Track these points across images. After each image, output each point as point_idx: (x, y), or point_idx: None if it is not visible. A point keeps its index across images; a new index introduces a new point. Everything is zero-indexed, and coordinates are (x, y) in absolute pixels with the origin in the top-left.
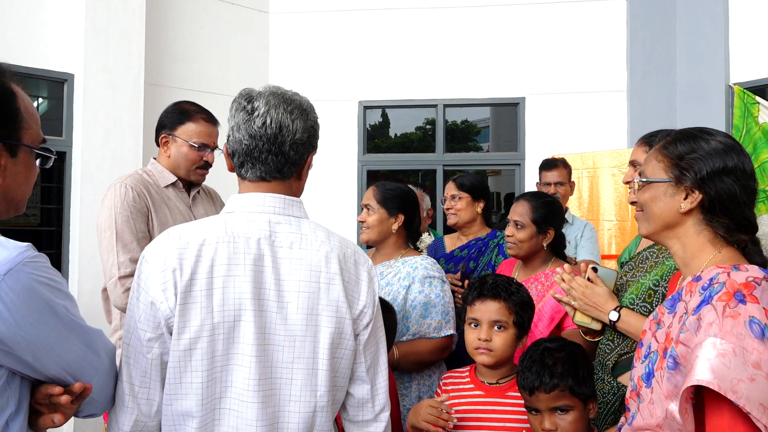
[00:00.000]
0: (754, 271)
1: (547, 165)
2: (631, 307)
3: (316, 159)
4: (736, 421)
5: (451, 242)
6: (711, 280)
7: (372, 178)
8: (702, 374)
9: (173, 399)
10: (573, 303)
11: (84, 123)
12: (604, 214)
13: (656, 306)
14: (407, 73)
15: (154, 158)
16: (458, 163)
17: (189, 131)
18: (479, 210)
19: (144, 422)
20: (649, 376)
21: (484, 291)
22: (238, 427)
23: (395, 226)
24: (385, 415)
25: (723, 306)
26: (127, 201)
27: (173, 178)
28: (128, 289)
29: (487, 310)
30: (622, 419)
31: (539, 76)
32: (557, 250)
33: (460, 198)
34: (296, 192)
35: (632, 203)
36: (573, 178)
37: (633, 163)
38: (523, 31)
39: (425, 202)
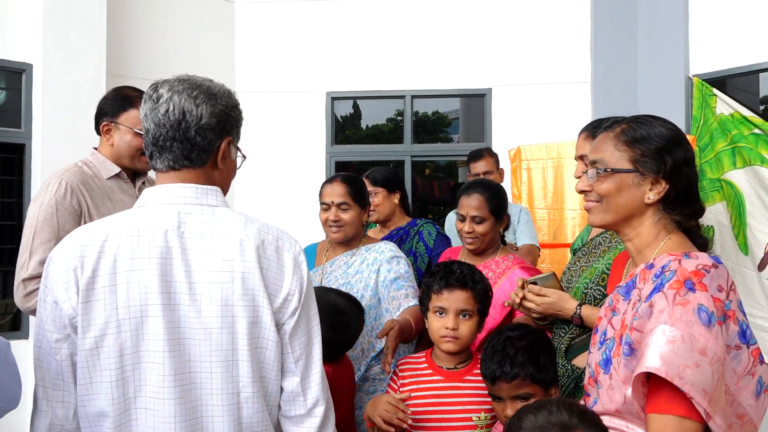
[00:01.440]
0: (704, 258)
1: (474, 156)
2: (585, 291)
3: (285, 150)
4: (672, 399)
5: (374, 235)
6: (663, 267)
7: (340, 169)
8: (651, 361)
9: (86, 400)
10: (534, 315)
11: (44, 114)
12: (568, 203)
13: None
14: (375, 64)
15: (95, 148)
16: (426, 153)
17: (132, 118)
18: (396, 201)
19: (61, 425)
20: (606, 362)
21: (451, 280)
22: (155, 426)
23: (365, 218)
24: (320, 410)
25: (674, 294)
26: (56, 197)
27: (116, 169)
28: (30, 293)
29: (455, 299)
30: (582, 403)
31: (505, 67)
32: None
33: (376, 193)
34: (218, 182)
35: (582, 192)
36: (538, 168)
37: (582, 158)
38: (490, 22)
39: None
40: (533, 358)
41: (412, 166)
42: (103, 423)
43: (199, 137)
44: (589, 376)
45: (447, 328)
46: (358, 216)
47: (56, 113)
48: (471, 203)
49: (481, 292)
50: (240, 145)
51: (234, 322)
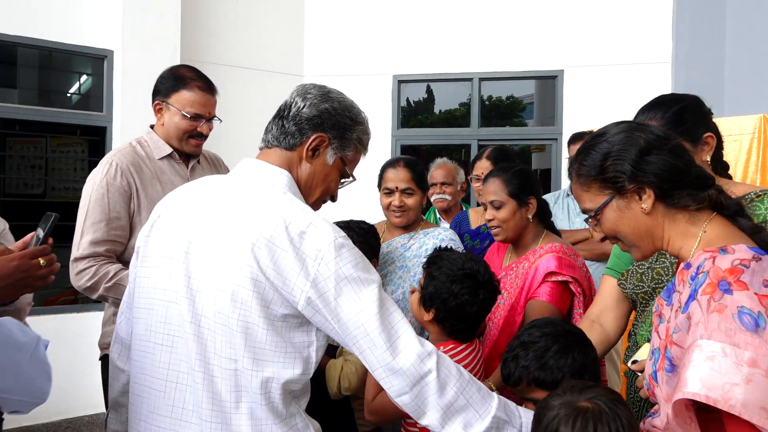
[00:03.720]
0: (741, 251)
1: (573, 139)
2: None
3: None
4: (732, 423)
5: (476, 216)
6: (698, 267)
7: (406, 152)
8: (691, 385)
9: (134, 321)
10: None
11: (123, 99)
12: None
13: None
14: (442, 46)
15: (152, 126)
16: (493, 137)
17: (183, 100)
18: None
19: (123, 338)
20: (656, 374)
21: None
22: (170, 362)
23: (424, 203)
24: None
25: (707, 300)
26: (107, 178)
27: (168, 150)
28: (80, 272)
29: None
30: (657, 407)
31: (579, 47)
32: (545, 222)
33: None
34: (303, 176)
35: (604, 239)
36: None
37: None
38: (562, 1)
39: (460, 175)
40: (541, 362)
41: (479, 150)
42: (139, 346)
43: (292, 123)
44: (647, 389)
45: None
46: (420, 200)
47: (134, 98)
48: (488, 187)
49: (426, 276)
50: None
51: (236, 291)
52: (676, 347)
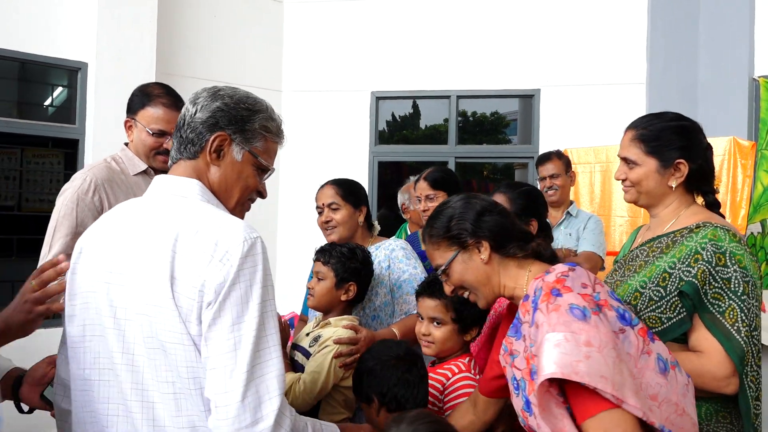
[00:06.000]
0: (560, 267)
1: (541, 159)
2: (641, 290)
3: (330, 149)
4: (590, 399)
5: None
6: (534, 291)
7: (383, 169)
8: (547, 368)
9: (70, 360)
10: None
11: (96, 111)
12: (616, 209)
13: (641, 309)
14: (421, 64)
15: (126, 144)
16: (470, 155)
17: (148, 116)
18: None
19: (63, 377)
20: (528, 404)
21: (422, 290)
22: (109, 397)
23: (361, 219)
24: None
25: (546, 305)
26: (79, 193)
27: (143, 166)
28: None
29: (427, 307)
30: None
31: (556, 67)
32: None
33: (435, 197)
34: (214, 179)
35: (453, 292)
36: (585, 172)
37: (625, 159)
38: (540, 21)
39: None
40: (356, 376)
41: (456, 167)
42: (76, 385)
43: (189, 130)
44: (522, 425)
45: (422, 333)
46: (350, 215)
47: (108, 110)
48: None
49: (456, 301)
50: (284, 146)
51: (161, 313)
52: (536, 358)
